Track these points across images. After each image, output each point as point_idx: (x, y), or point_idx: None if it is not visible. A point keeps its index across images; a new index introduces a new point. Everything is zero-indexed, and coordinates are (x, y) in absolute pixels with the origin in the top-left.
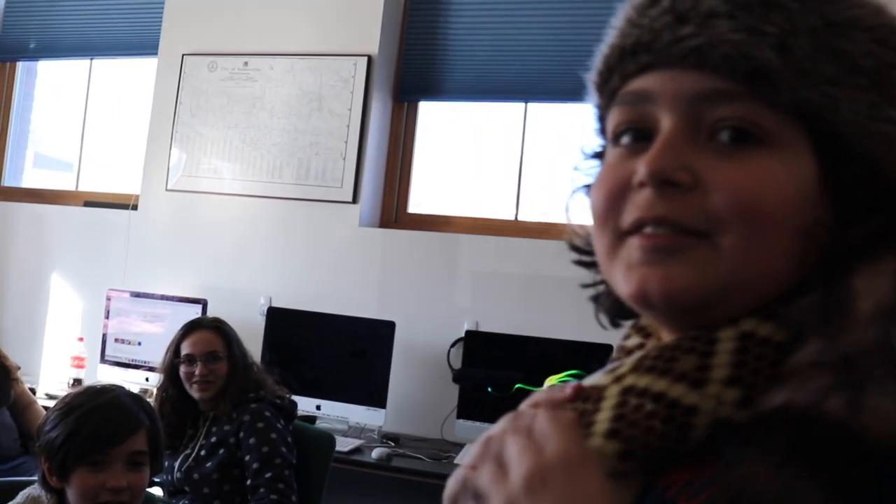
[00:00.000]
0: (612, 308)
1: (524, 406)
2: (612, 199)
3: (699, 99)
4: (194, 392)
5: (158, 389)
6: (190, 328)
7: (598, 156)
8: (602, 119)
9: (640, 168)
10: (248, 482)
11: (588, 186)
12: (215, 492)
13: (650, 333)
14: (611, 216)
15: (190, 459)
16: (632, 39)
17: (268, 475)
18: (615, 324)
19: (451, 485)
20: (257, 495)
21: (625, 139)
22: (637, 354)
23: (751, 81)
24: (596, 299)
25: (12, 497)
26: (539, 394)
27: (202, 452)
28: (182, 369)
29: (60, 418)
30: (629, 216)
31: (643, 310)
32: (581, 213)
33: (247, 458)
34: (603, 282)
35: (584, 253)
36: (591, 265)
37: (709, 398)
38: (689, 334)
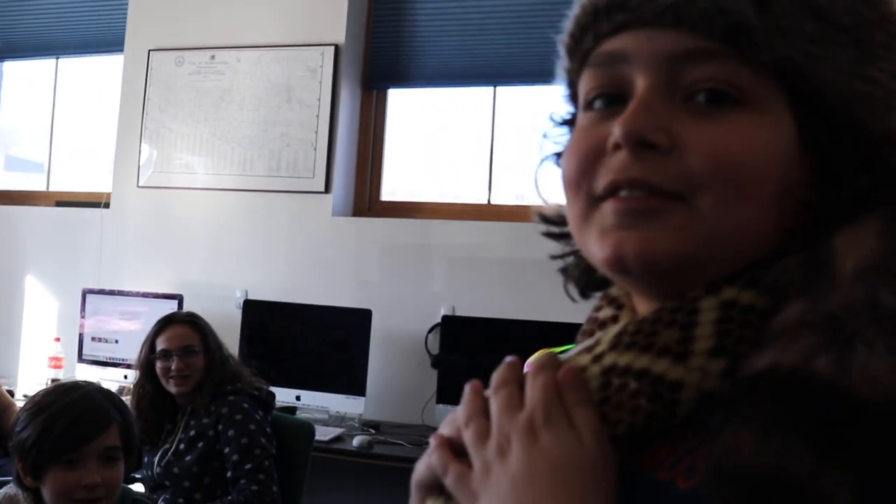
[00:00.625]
0: (582, 279)
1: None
2: (585, 163)
3: (676, 59)
4: (171, 387)
5: (135, 386)
6: (164, 323)
7: (569, 123)
8: (572, 84)
9: (616, 129)
10: (229, 474)
11: (558, 155)
12: (196, 485)
13: (622, 304)
14: (584, 181)
15: (169, 454)
16: None
17: (248, 466)
18: (585, 295)
19: (420, 469)
20: (238, 487)
21: (598, 103)
22: (614, 330)
23: (729, 39)
24: (565, 271)
25: None
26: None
27: (181, 446)
28: (158, 365)
29: (31, 418)
30: (603, 180)
31: (618, 276)
32: (551, 184)
33: (226, 450)
34: (572, 253)
35: (553, 223)
36: (561, 236)
37: (694, 371)
38: (668, 306)
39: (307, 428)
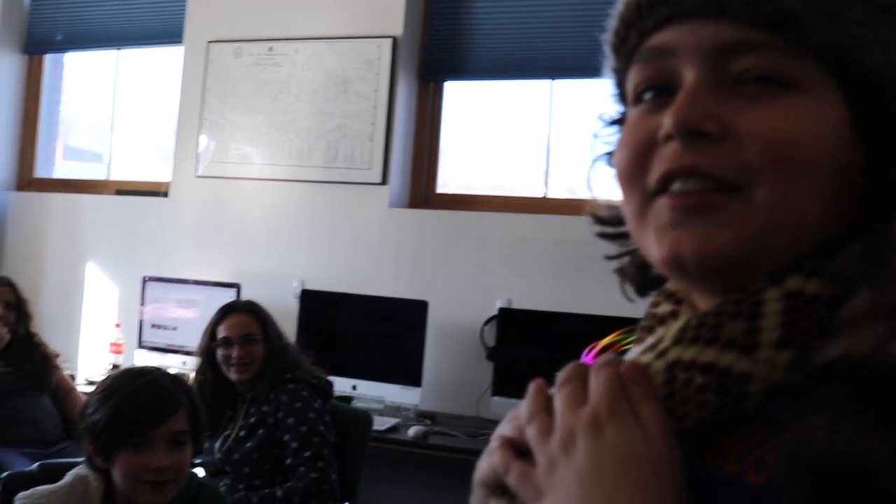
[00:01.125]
0: (638, 277)
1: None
2: (637, 156)
3: (722, 50)
4: (232, 374)
5: (196, 373)
6: (226, 312)
7: (619, 122)
8: (620, 83)
9: (666, 120)
10: (288, 461)
11: (610, 154)
12: (256, 471)
13: (681, 299)
14: (637, 175)
15: (230, 440)
16: None
17: (307, 454)
18: (642, 293)
19: (482, 469)
20: (297, 474)
21: (647, 96)
22: (677, 325)
23: (774, 28)
24: (621, 271)
25: (59, 477)
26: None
27: (241, 433)
28: (219, 352)
29: (102, 401)
30: (656, 171)
31: (676, 275)
32: (603, 184)
33: (286, 437)
34: (627, 253)
35: (607, 224)
36: (615, 237)
37: (761, 363)
38: (731, 298)
39: (365, 417)
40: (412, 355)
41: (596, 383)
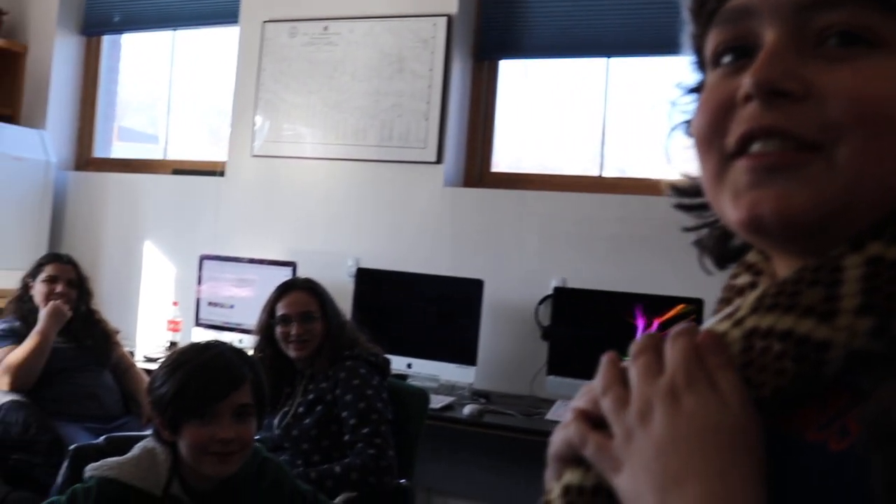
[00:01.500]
0: (717, 249)
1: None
2: (715, 118)
3: (803, 7)
4: (291, 351)
5: (255, 350)
6: (284, 289)
7: (698, 90)
8: (699, 50)
9: (745, 80)
10: (346, 437)
11: (688, 122)
12: (314, 447)
13: (760, 270)
14: (715, 138)
15: (288, 417)
16: None
17: (365, 430)
18: (721, 266)
19: (557, 442)
20: (355, 450)
21: (726, 58)
22: (754, 294)
23: None
24: (699, 243)
25: (125, 450)
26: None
27: (300, 409)
28: (278, 329)
29: (168, 375)
30: (734, 133)
31: (756, 237)
32: (680, 155)
33: (344, 414)
34: (706, 225)
35: (685, 195)
36: (693, 208)
37: (841, 330)
38: (810, 265)
39: (421, 395)
40: (467, 334)
41: (672, 352)
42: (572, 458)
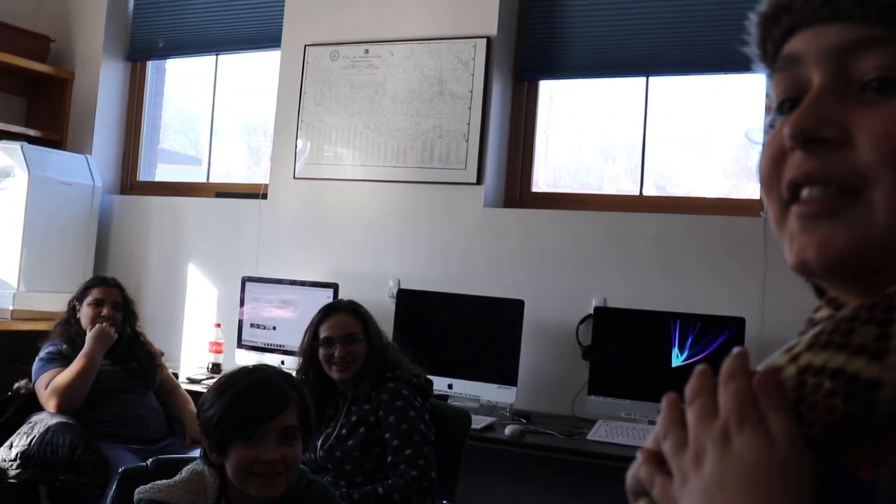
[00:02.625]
0: (811, 282)
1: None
2: (772, 166)
3: (841, 51)
4: (334, 373)
5: (298, 372)
6: (328, 311)
7: None
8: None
9: (784, 130)
10: (389, 459)
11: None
12: (357, 469)
13: (841, 305)
14: (773, 184)
15: (332, 438)
16: (772, 4)
17: (408, 452)
18: (819, 296)
19: (630, 480)
20: (398, 472)
21: (786, 106)
22: (815, 330)
23: (887, 22)
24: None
25: (172, 472)
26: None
27: (343, 431)
28: (321, 351)
29: (216, 397)
30: (784, 181)
31: (811, 280)
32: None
33: (386, 435)
34: None
35: None
36: None
37: (891, 370)
38: (866, 303)
39: (463, 415)
40: (508, 354)
41: (725, 396)
42: (644, 492)
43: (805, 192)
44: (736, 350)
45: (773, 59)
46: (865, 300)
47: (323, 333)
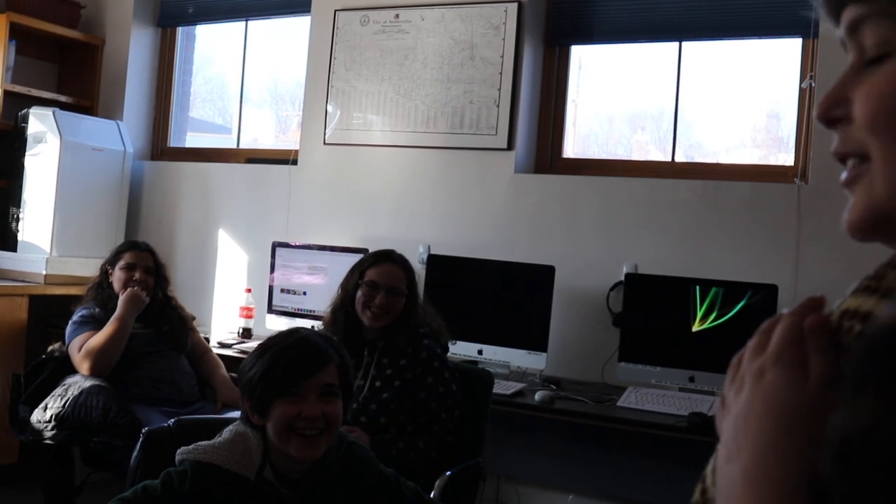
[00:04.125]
0: None
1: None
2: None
3: (849, 30)
4: (367, 318)
5: (333, 310)
6: (380, 258)
7: None
8: None
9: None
10: (425, 419)
11: None
12: (390, 422)
13: None
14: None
15: (365, 390)
16: None
17: (443, 415)
18: None
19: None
20: (434, 435)
21: None
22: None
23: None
24: None
25: (195, 433)
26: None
27: (377, 384)
28: (361, 292)
29: (257, 358)
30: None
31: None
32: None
33: (422, 395)
34: None
35: None
36: None
37: None
38: None
39: (486, 376)
40: (538, 320)
41: (776, 333)
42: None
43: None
44: (813, 296)
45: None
46: None
47: (369, 277)
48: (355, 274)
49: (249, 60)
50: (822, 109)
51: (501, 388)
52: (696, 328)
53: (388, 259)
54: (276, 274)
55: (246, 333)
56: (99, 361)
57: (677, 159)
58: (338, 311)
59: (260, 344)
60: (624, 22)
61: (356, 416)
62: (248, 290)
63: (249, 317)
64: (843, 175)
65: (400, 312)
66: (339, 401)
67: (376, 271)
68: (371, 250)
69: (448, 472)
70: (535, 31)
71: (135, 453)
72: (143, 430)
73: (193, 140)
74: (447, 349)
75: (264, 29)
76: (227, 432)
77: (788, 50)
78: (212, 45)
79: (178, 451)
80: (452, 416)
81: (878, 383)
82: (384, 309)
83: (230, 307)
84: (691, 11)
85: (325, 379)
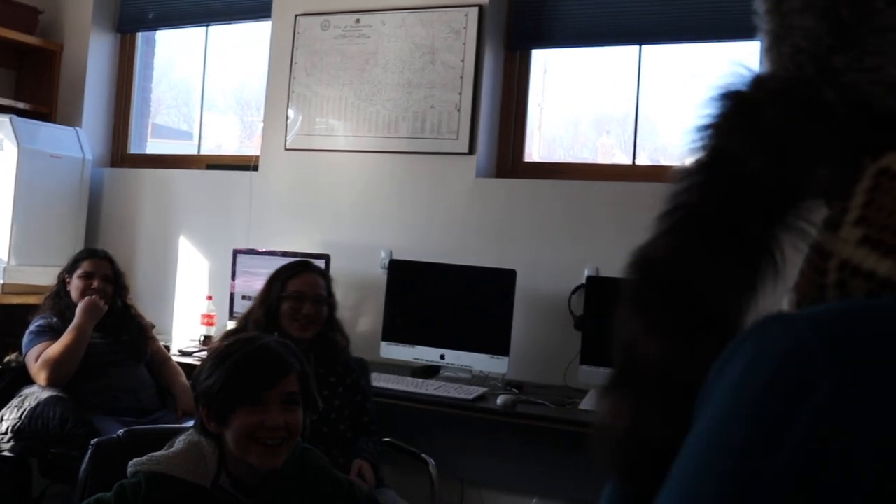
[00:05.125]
0: None
1: None
2: None
3: None
4: (296, 330)
5: (255, 325)
6: (300, 268)
7: None
8: None
9: None
10: (365, 419)
11: None
12: (346, 427)
13: None
14: None
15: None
16: None
17: (373, 413)
18: None
19: None
20: (370, 430)
21: None
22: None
23: None
24: None
25: (146, 443)
26: None
27: (324, 392)
28: (287, 305)
29: (216, 366)
30: None
31: None
32: None
33: (358, 398)
34: None
35: None
36: None
37: (843, 242)
38: None
39: (364, 365)
40: (500, 325)
41: None
42: None
43: None
44: None
45: None
46: None
47: (293, 288)
48: (276, 287)
49: (213, 66)
50: None
51: (463, 392)
52: None
53: (307, 269)
54: (237, 281)
55: (207, 341)
56: (56, 372)
57: (642, 162)
58: (262, 326)
59: (216, 350)
60: (584, 26)
61: (318, 428)
62: (210, 298)
63: (211, 324)
64: None
65: (325, 320)
66: (300, 409)
67: (299, 282)
68: (332, 255)
69: None
70: (496, 35)
71: (83, 465)
72: (92, 442)
73: (159, 146)
74: None
75: (228, 34)
76: (180, 442)
77: (748, 53)
78: (174, 51)
79: (131, 462)
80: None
81: None
82: (311, 319)
83: (191, 315)
84: (651, 15)
85: (288, 388)
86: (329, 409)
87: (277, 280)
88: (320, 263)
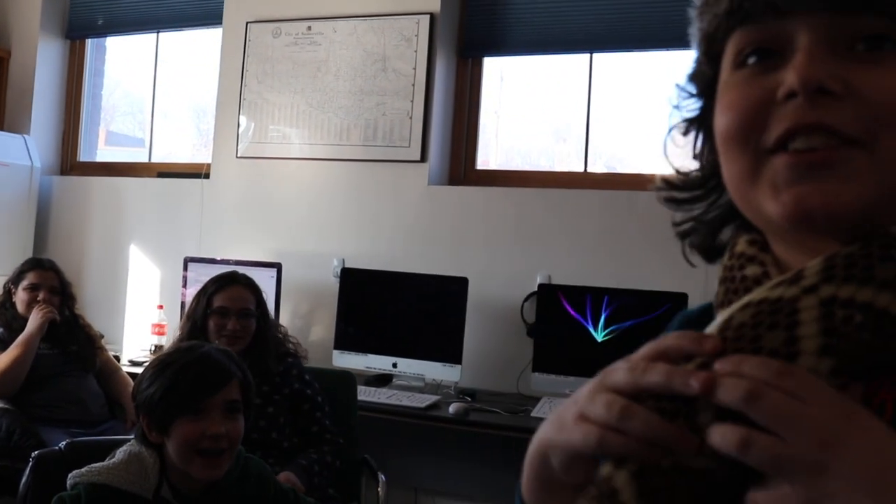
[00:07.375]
0: (706, 243)
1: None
2: (751, 116)
3: (835, 13)
4: (223, 345)
5: (177, 340)
6: (225, 282)
7: (704, 92)
8: (709, 50)
9: (789, 78)
10: (315, 428)
11: (689, 122)
12: (282, 436)
13: (763, 262)
14: (752, 135)
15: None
16: None
17: (327, 422)
18: (711, 259)
19: (592, 438)
20: (325, 440)
21: (751, 60)
22: (816, 265)
23: None
24: (685, 235)
25: (87, 455)
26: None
27: (257, 401)
28: (212, 321)
29: (157, 375)
30: (776, 130)
31: (800, 230)
32: (676, 154)
33: (305, 406)
34: (694, 219)
35: (676, 189)
36: (682, 202)
37: None
38: (875, 241)
39: (349, 377)
40: (452, 332)
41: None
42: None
43: (799, 142)
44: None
45: (730, 14)
46: (871, 239)
47: (218, 303)
48: (202, 302)
49: (165, 73)
50: (817, 75)
51: (416, 401)
52: (600, 338)
53: (233, 282)
54: (188, 290)
55: (158, 350)
56: (2, 384)
57: (598, 170)
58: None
59: (157, 359)
60: (536, 33)
61: (247, 435)
62: (160, 307)
63: (162, 333)
64: (804, 150)
65: (253, 334)
66: (242, 417)
67: (223, 296)
68: (284, 264)
69: None
70: (447, 42)
71: (24, 478)
72: (33, 454)
73: (113, 154)
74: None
75: (179, 41)
76: (120, 452)
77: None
78: (126, 58)
79: (70, 474)
80: (330, 420)
81: None
82: (237, 334)
83: (142, 324)
84: (601, 24)
85: (229, 395)
86: (259, 415)
87: (203, 295)
88: (272, 272)
